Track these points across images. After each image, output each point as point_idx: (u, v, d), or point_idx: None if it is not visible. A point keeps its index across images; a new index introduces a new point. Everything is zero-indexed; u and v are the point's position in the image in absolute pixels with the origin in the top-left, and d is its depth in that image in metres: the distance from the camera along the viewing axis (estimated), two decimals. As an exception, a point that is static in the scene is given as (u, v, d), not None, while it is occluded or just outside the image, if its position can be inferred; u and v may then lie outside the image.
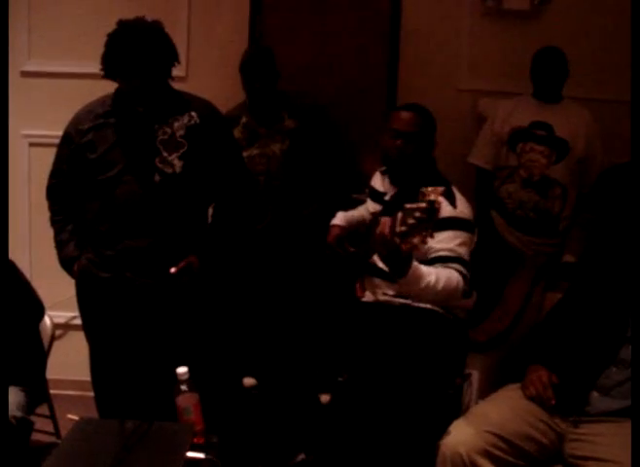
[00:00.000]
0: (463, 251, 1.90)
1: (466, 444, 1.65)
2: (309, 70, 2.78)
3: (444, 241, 1.89)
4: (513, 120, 2.60)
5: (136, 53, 1.88)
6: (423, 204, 1.56)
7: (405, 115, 2.05)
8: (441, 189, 1.59)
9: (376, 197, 2.20)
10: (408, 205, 1.60)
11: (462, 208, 1.95)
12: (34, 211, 2.95)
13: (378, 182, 2.21)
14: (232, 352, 2.39)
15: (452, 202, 1.93)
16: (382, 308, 2.05)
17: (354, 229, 2.27)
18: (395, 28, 2.77)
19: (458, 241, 1.90)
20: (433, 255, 1.89)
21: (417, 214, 1.57)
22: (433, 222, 1.58)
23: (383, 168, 2.20)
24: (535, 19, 2.77)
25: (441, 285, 1.81)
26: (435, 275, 1.81)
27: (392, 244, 1.65)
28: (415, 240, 1.59)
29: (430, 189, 1.58)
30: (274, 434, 2.10)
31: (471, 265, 1.91)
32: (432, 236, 1.60)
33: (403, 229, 1.61)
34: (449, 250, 1.88)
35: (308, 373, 2.05)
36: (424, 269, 1.82)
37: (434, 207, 1.56)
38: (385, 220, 1.68)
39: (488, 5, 2.77)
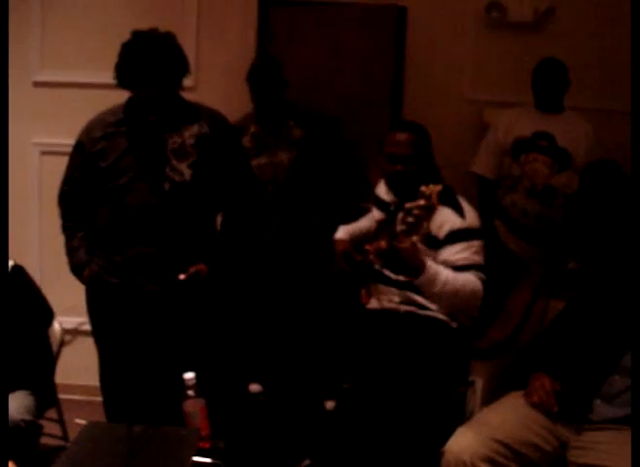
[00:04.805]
0: (478, 258, 1.94)
1: (469, 451, 1.66)
2: (316, 81, 2.80)
3: (458, 253, 1.92)
4: (515, 130, 2.61)
5: (150, 62, 1.92)
6: (421, 202, 1.62)
7: (400, 137, 2.00)
8: (439, 187, 1.63)
9: (382, 205, 2.22)
10: (407, 205, 1.66)
11: (470, 218, 1.97)
12: (45, 218, 2.98)
13: (383, 191, 2.23)
14: (239, 358, 2.40)
15: (461, 213, 1.95)
16: (387, 316, 2.06)
17: (360, 240, 2.29)
18: (400, 39, 2.79)
19: (472, 250, 1.93)
20: (449, 266, 1.91)
21: (416, 211, 1.62)
22: (431, 218, 1.63)
23: (387, 177, 2.22)
24: (539, 31, 2.79)
25: (459, 283, 1.85)
26: (452, 274, 1.86)
27: (391, 253, 1.69)
28: (415, 238, 1.64)
29: (428, 187, 1.62)
30: (280, 439, 2.11)
31: (487, 268, 1.95)
32: (427, 232, 1.67)
33: (403, 228, 1.66)
34: (465, 259, 1.92)
35: (314, 379, 2.06)
36: (440, 267, 1.86)
37: (431, 204, 1.61)
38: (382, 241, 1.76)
39: (493, 16, 2.80)
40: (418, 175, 2.00)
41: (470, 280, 1.89)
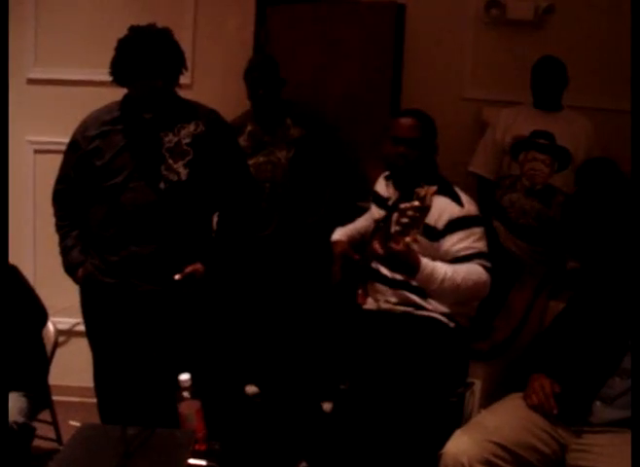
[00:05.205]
0: (480, 245, 1.94)
1: (468, 453, 1.64)
2: (313, 79, 2.79)
3: (459, 242, 1.92)
4: (514, 129, 2.61)
5: (146, 56, 1.90)
6: (416, 203, 1.63)
7: (405, 121, 2.05)
8: (433, 188, 1.64)
9: (380, 202, 2.21)
10: (402, 205, 1.66)
11: (468, 206, 1.98)
12: (39, 217, 2.97)
13: (382, 187, 2.22)
14: (235, 360, 2.39)
15: (459, 202, 1.96)
16: (384, 316, 2.05)
17: (358, 241, 2.28)
18: (399, 37, 2.77)
19: (473, 238, 1.94)
20: (452, 257, 1.92)
21: (410, 213, 1.63)
22: (424, 219, 1.65)
23: (387, 174, 2.21)
24: (539, 29, 2.79)
25: (460, 277, 1.85)
26: (451, 269, 1.85)
27: (390, 256, 1.69)
28: (408, 239, 1.65)
29: (423, 188, 1.63)
30: (276, 442, 2.10)
31: (490, 254, 1.95)
32: (421, 234, 1.69)
33: (397, 228, 1.67)
34: (466, 248, 1.92)
35: (311, 380, 2.05)
36: (438, 264, 1.85)
37: (425, 205, 1.61)
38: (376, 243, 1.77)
39: (493, 14, 2.79)
40: (418, 162, 2.01)
41: (473, 271, 1.88)
